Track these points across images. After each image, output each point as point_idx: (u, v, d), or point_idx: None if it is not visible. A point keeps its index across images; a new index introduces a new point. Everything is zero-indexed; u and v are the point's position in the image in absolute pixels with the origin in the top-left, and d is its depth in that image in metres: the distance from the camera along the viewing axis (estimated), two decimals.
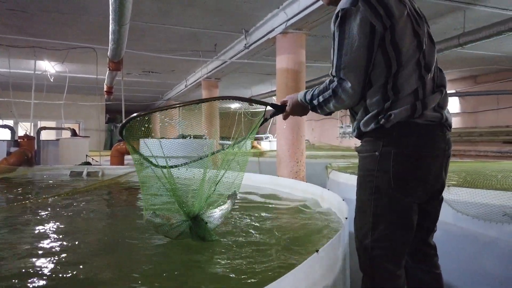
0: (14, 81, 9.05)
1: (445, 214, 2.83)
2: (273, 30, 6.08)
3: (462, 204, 3.19)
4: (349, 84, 1.42)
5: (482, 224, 3.03)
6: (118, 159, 6.92)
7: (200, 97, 15.10)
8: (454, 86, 12.04)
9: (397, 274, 1.50)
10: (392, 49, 1.41)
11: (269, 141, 16.87)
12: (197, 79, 11.37)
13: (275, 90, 12.91)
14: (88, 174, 6.35)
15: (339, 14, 1.41)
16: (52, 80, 10.41)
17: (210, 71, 9.78)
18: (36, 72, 9.25)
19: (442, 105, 1.53)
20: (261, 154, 11.58)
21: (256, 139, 17.08)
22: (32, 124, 14.53)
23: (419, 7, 1.58)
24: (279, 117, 6.48)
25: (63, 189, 4.69)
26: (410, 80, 1.43)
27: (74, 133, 8.60)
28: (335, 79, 1.46)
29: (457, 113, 12.07)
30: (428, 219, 1.59)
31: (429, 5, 5.48)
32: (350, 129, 17.58)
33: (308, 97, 1.62)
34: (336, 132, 18.38)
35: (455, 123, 12.11)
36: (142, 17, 6.21)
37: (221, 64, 8.86)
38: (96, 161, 7.93)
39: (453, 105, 12.13)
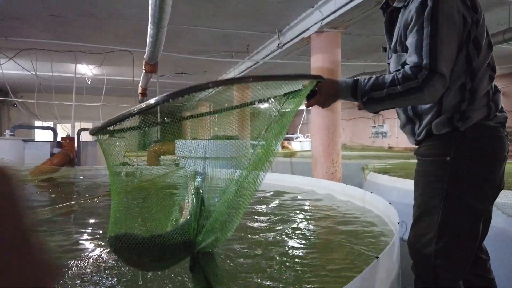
0: (54, 84, 9.42)
1: (495, 219, 2.72)
2: (307, 29, 6.03)
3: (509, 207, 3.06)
4: (445, 79, 1.26)
5: None
6: (154, 159, 7.06)
7: (231, 100, 15.19)
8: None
9: (458, 284, 1.44)
10: (473, 46, 1.33)
11: (300, 141, 16.76)
12: None
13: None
14: (127, 174, 6.52)
15: (428, 2, 1.27)
16: (89, 83, 10.78)
17: (242, 72, 9.81)
18: (75, 75, 9.60)
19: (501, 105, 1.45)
20: (292, 154, 11.53)
21: (287, 139, 17.02)
22: (70, 125, 15.14)
23: None
24: (314, 117, 6.36)
25: (106, 189, 4.84)
26: (484, 80, 1.36)
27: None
28: (425, 70, 1.25)
29: None
30: (484, 223, 1.52)
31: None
32: (383, 129, 17.22)
33: (365, 86, 1.35)
34: (369, 132, 18.02)
35: None
36: (176, 20, 6.29)
37: (253, 65, 8.87)
38: (134, 161, 8.11)
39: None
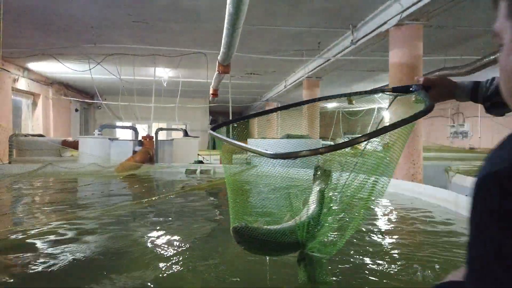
0: (135, 87, 10.08)
1: None
2: (385, 23, 5.74)
3: None
4: None
5: None
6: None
7: (300, 98, 15.09)
8: None
9: None
10: None
11: None
12: (297, 79, 11.35)
13: (380, 88, 12.31)
14: (201, 172, 6.75)
15: None
16: (165, 85, 11.36)
17: (312, 70, 9.67)
18: (153, 78, 10.17)
19: None
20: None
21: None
22: (147, 125, 16.11)
23: None
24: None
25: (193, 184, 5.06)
26: None
27: (185, 134, 9.22)
28: None
29: None
30: None
31: None
32: (463, 129, 15.97)
33: (487, 91, 1.20)
34: (447, 132, 16.82)
35: None
36: (249, 20, 6.37)
37: (324, 62, 8.69)
38: (207, 160, 8.38)
39: None
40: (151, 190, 5.17)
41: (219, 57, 6.83)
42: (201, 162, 7.52)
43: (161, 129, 8.98)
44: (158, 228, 2.72)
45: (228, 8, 4.25)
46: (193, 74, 11.20)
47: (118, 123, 14.98)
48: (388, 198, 3.83)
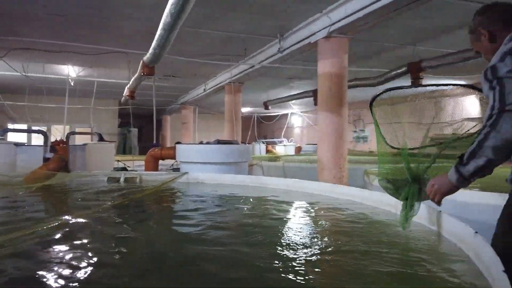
0: (39, 85, 9.01)
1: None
2: (313, 34, 6.04)
3: None
4: None
5: None
6: (153, 164, 6.85)
7: (220, 103, 15.05)
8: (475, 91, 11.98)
9: None
10: None
11: (284, 145, 16.83)
12: (218, 84, 11.33)
13: (295, 95, 12.89)
14: (126, 180, 6.29)
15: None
16: (72, 84, 10.37)
17: (236, 75, 9.73)
18: (60, 77, 9.23)
19: None
20: (277, 158, 11.53)
21: (271, 143, 17.04)
22: (49, 129, 14.50)
23: None
24: (322, 122, 6.39)
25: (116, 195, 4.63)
26: None
27: (100, 138, 8.52)
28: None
29: (478, 118, 12.00)
30: None
31: (474, 8, 5.44)
32: (364, 134, 17.55)
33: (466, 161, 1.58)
34: (350, 137, 18.36)
35: (477, 128, 12.03)
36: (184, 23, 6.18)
37: (249, 68, 8.81)
38: (128, 167, 7.86)
39: (475, 110, 12.07)
40: (68, 204, 4.59)
41: (145, 58, 6.47)
42: (124, 169, 7.03)
43: (73, 133, 8.18)
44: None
45: (170, 9, 4.05)
46: (108, 74, 10.44)
47: (18, 126, 13.24)
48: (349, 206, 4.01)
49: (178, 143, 11.59)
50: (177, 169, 7.05)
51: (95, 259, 2.07)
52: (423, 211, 3.01)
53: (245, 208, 3.93)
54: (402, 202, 2.07)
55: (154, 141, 7.89)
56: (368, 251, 2.47)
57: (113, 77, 10.72)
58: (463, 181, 1.60)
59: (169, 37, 4.96)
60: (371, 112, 2.04)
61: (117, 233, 2.79)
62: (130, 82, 9.34)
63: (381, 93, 2.03)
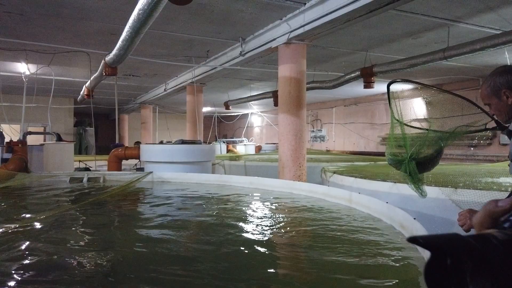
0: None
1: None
2: (274, 39, 6.35)
3: (469, 204, 3.60)
4: None
5: None
6: (117, 165, 6.87)
7: (180, 103, 15.02)
8: (420, 94, 12.90)
9: None
10: None
11: (244, 144, 17.11)
12: (180, 84, 11.39)
13: (255, 95, 13.20)
14: (89, 180, 6.28)
15: None
16: (26, 83, 10.02)
17: (197, 76, 9.86)
18: (14, 74, 8.93)
19: None
20: (238, 157, 11.79)
21: (231, 142, 17.26)
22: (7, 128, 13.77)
23: None
24: (282, 123, 6.77)
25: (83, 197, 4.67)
26: None
27: (59, 138, 8.35)
28: None
29: (424, 118, 12.94)
30: None
31: (419, 21, 6.01)
32: (321, 133, 18.22)
33: None
34: (308, 136, 18.98)
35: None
36: None
37: (211, 70, 9.00)
38: (90, 167, 7.78)
39: (421, 111, 12.99)
40: (27, 206, 4.57)
41: (108, 58, 6.48)
42: (87, 169, 6.98)
43: (30, 132, 7.97)
44: None
45: (138, 12, 4.18)
46: (65, 73, 10.20)
47: None
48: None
49: (138, 143, 11.56)
50: (141, 169, 7.11)
51: (44, 262, 2.17)
52: (371, 202, 3.41)
53: (209, 206, 4.15)
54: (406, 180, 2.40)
55: (117, 141, 7.87)
56: (333, 236, 2.82)
57: (70, 76, 10.48)
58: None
59: (134, 40, 5.06)
60: (388, 94, 2.34)
61: (77, 234, 2.88)
62: (89, 81, 9.21)
63: (399, 81, 2.38)
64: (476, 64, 9.00)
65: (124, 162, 7.27)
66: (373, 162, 8.50)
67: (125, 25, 5.07)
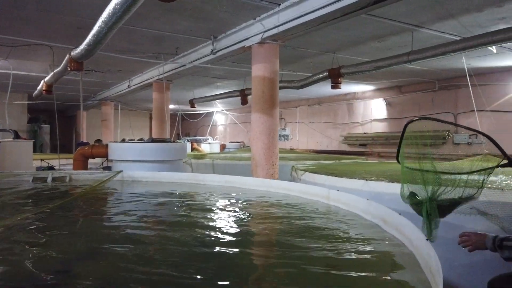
0: None
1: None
2: (247, 39, 6.38)
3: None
4: None
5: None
6: (83, 163, 6.62)
7: (145, 99, 14.61)
8: (382, 95, 13.50)
9: None
10: None
11: (209, 143, 17.02)
12: (145, 80, 11.13)
13: (223, 94, 13.16)
14: (54, 180, 6.00)
15: None
16: None
17: (165, 73, 9.68)
18: None
19: None
20: (203, 156, 11.73)
21: (196, 141, 17.09)
22: None
23: None
24: (255, 122, 6.85)
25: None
26: None
27: (16, 135, 7.89)
28: None
29: (384, 118, 13.54)
30: None
31: (386, 25, 6.27)
32: (285, 132, 18.47)
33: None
34: None
35: (383, 128, 13.57)
36: None
37: (180, 67, 8.87)
38: (54, 166, 7.42)
39: (381, 112, 13.59)
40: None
41: (74, 53, 6.22)
42: (51, 168, 6.66)
43: None
44: None
45: (114, 7, 4.06)
46: (21, 67, 9.66)
47: None
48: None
49: (99, 141, 11.18)
50: (108, 168, 6.90)
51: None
52: (351, 199, 3.54)
53: (183, 205, 4.11)
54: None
55: (81, 139, 7.57)
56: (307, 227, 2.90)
57: (27, 70, 9.93)
58: (494, 252, 2.03)
59: (107, 35, 4.90)
60: (402, 134, 2.27)
61: (39, 237, 2.75)
62: (49, 76, 8.78)
63: (417, 120, 2.38)
64: (434, 67, 9.52)
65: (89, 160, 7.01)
66: (337, 161, 8.77)
67: (94, 19, 4.90)
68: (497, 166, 2.17)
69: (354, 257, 2.29)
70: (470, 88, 7.75)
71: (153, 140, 6.55)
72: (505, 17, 5.83)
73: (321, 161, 8.66)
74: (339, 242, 2.59)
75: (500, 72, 10.02)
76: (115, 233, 2.95)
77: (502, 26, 5.88)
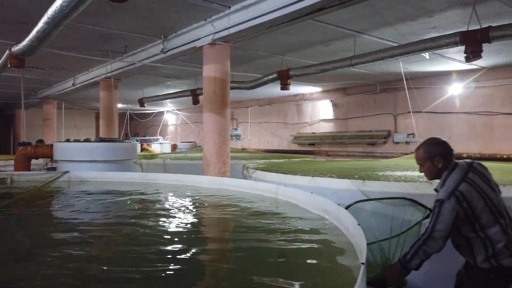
0: None
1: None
2: (198, 39, 6.46)
3: (374, 194, 4.16)
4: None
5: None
6: (25, 164, 6.33)
7: (92, 98, 14.08)
8: (329, 96, 14.10)
9: None
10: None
11: (160, 143, 16.76)
12: (91, 79, 10.78)
13: (173, 93, 13.04)
14: None
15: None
16: None
17: (113, 71, 9.45)
18: None
19: None
20: (153, 156, 11.59)
21: (145, 141, 16.76)
22: None
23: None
24: (206, 121, 6.98)
25: None
26: None
27: None
28: None
29: (331, 119, 14.15)
30: None
31: (331, 30, 6.64)
32: (237, 132, 18.66)
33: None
34: None
35: (330, 128, 14.18)
36: None
37: (129, 65, 8.72)
38: None
39: (328, 112, 14.19)
40: None
41: (16, 49, 5.95)
42: None
43: None
44: None
45: (61, 4, 3.98)
46: None
47: None
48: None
49: (40, 141, 10.65)
50: (53, 169, 6.65)
51: None
52: (297, 193, 3.75)
53: (133, 206, 4.11)
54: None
55: (23, 139, 7.22)
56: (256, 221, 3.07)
57: None
58: (408, 271, 2.33)
59: (52, 32, 4.76)
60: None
61: None
62: None
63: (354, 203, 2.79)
64: (375, 71, 10.15)
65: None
66: (287, 159, 9.06)
67: (38, 15, 4.75)
68: (423, 219, 2.58)
69: (301, 246, 2.49)
70: (407, 91, 8.38)
71: (101, 140, 6.42)
72: (436, 26, 6.41)
73: (272, 160, 8.90)
74: (286, 233, 2.79)
75: (434, 77, 10.90)
76: (61, 233, 2.93)
77: (433, 35, 6.45)
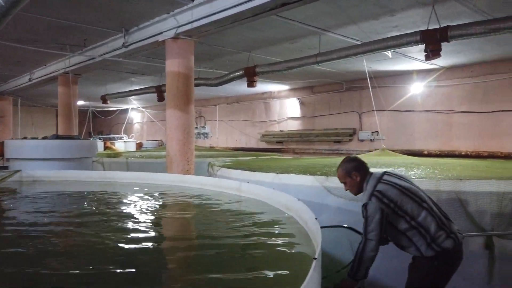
0: None
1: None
2: (161, 33, 6.27)
3: (337, 189, 4.17)
4: None
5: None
6: None
7: (50, 94, 13.45)
8: (296, 94, 14.18)
9: None
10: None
11: (124, 141, 16.29)
12: (49, 74, 10.28)
13: (137, 90, 12.69)
14: None
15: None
16: None
17: (72, 66, 9.04)
18: None
19: None
20: (117, 154, 11.25)
21: (109, 139, 16.25)
22: None
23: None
24: (170, 118, 6.78)
25: None
26: None
27: None
28: None
29: (298, 117, 14.24)
30: None
31: (296, 27, 6.62)
32: (205, 130, 18.45)
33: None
34: None
35: (298, 125, 14.26)
36: None
37: (89, 60, 8.37)
38: None
39: (296, 110, 14.27)
40: None
41: None
42: None
43: None
44: None
45: None
46: None
47: None
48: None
49: None
50: (5, 168, 6.27)
51: None
52: (259, 189, 3.70)
53: (89, 205, 3.93)
54: None
55: None
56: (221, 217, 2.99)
57: None
58: (358, 280, 2.40)
59: (2, 22, 4.46)
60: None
61: None
62: None
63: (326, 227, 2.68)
64: (341, 69, 10.27)
65: None
66: (255, 157, 9.02)
67: None
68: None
69: (265, 238, 2.46)
70: (371, 89, 8.52)
71: (57, 137, 6.11)
72: (397, 25, 6.53)
73: (239, 158, 8.83)
74: (250, 227, 2.73)
75: (397, 76, 11.17)
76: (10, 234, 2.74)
77: (395, 33, 6.57)
